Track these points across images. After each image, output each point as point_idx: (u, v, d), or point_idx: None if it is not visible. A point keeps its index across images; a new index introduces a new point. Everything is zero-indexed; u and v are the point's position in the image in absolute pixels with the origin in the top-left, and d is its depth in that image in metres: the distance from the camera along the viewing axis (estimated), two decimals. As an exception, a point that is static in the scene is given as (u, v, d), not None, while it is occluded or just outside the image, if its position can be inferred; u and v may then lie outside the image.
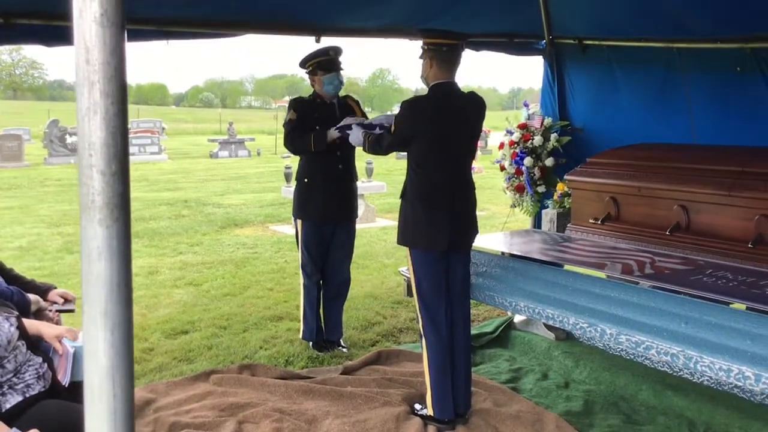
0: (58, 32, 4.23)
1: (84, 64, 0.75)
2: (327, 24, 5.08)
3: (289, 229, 9.56)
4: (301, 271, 4.89)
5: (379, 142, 3.87)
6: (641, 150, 4.62)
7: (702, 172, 4.09)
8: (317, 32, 5.03)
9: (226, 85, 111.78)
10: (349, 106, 4.86)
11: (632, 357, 4.46)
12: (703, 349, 2.99)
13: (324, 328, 4.95)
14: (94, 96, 0.76)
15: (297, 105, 4.76)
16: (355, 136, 4.12)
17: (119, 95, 0.76)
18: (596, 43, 5.44)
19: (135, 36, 4.46)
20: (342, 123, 4.35)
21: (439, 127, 3.56)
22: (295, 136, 4.68)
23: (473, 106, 3.71)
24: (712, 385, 4.03)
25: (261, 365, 4.47)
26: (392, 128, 3.71)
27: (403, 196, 3.72)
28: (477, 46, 5.73)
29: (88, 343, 0.80)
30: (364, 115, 4.87)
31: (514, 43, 5.83)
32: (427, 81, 3.65)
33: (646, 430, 3.71)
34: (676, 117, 4.89)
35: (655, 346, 3.14)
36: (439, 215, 3.59)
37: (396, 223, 3.87)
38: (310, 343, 4.89)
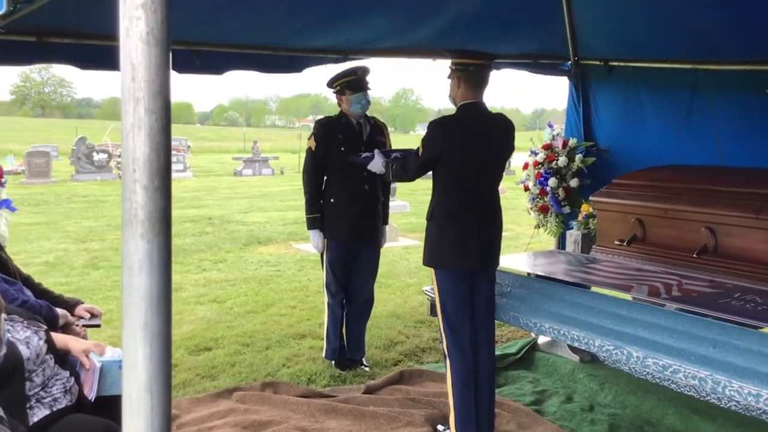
0: (91, 54, 4.31)
1: (130, 81, 0.77)
2: (354, 46, 5.13)
3: (312, 248, 9.59)
4: (324, 290, 4.90)
5: (405, 168, 3.81)
6: (668, 171, 4.59)
7: (729, 194, 4.05)
8: (344, 53, 5.09)
9: (251, 104, 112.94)
10: (379, 126, 4.90)
11: (659, 381, 4.40)
12: (731, 374, 2.94)
13: (347, 347, 4.94)
14: (138, 113, 0.77)
15: (318, 131, 4.79)
16: (376, 163, 4.08)
17: (163, 112, 0.78)
18: (622, 64, 5.43)
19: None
20: (363, 153, 4.35)
21: (467, 147, 3.55)
22: (309, 178, 4.81)
23: (502, 127, 3.70)
24: (740, 410, 3.96)
25: (284, 383, 4.47)
26: (419, 150, 3.67)
27: (430, 217, 3.72)
28: (499, 66, 5.75)
29: (127, 356, 0.81)
30: (389, 137, 4.93)
31: (540, 65, 5.84)
32: (455, 101, 3.66)
33: (673, 456, 3.65)
34: (703, 138, 4.86)
35: (682, 370, 3.10)
36: (466, 237, 3.57)
37: (418, 242, 3.87)
38: (333, 361, 4.89)
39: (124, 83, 0.78)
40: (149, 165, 0.78)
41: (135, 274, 0.79)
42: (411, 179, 3.89)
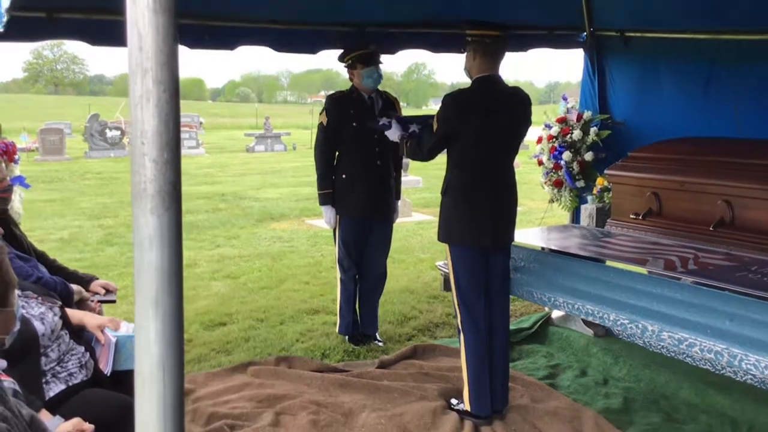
0: (102, 29, 4.27)
1: (137, 51, 0.75)
2: (367, 18, 5.08)
3: (325, 224, 9.60)
4: (337, 266, 4.90)
5: (420, 145, 3.71)
6: (684, 144, 4.53)
7: (747, 166, 4.00)
8: (358, 25, 5.03)
9: (263, 79, 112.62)
10: (390, 101, 4.85)
11: (673, 354, 4.39)
12: (748, 347, 2.92)
13: (360, 322, 4.95)
14: (147, 83, 0.75)
15: (330, 106, 4.75)
16: (394, 132, 3.98)
17: (172, 83, 0.76)
18: (639, 35, 5.34)
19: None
20: (380, 119, 4.20)
21: (483, 121, 3.49)
22: (321, 153, 4.77)
23: (518, 102, 3.64)
24: (756, 384, 3.94)
25: (298, 358, 4.49)
26: (434, 125, 3.59)
27: (444, 192, 3.68)
28: (524, 45, 5.68)
29: (139, 332, 0.80)
30: (400, 112, 4.88)
31: (555, 36, 5.76)
32: (470, 74, 3.60)
33: (688, 429, 3.64)
34: (721, 110, 4.78)
35: (698, 344, 3.08)
36: (481, 213, 3.54)
37: (432, 217, 3.84)
38: (346, 337, 4.90)
39: (132, 53, 0.76)
40: (158, 137, 0.76)
41: (146, 250, 0.78)
42: (426, 158, 3.77)
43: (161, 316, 0.78)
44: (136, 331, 0.80)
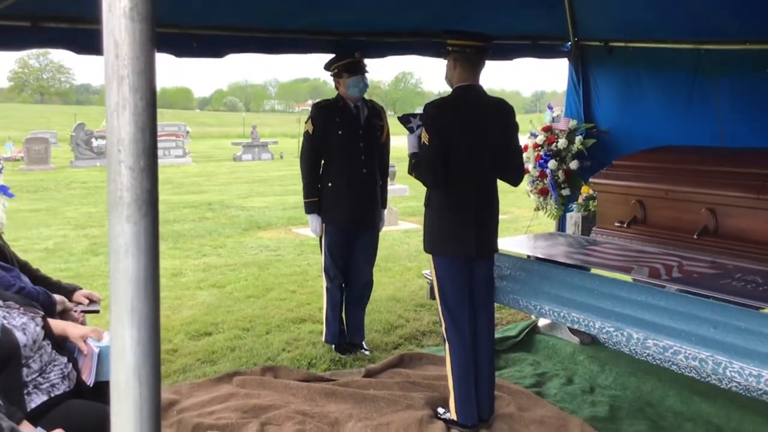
0: (86, 37, 4.25)
1: (113, 59, 0.75)
2: (352, 29, 5.09)
3: (311, 232, 9.60)
4: (323, 275, 4.89)
5: (420, 168, 3.55)
6: (668, 152, 4.56)
7: (730, 174, 4.03)
8: (342, 36, 5.04)
9: (250, 89, 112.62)
10: (377, 109, 4.85)
11: (659, 362, 4.40)
12: (732, 354, 2.93)
13: (346, 331, 4.94)
14: (123, 91, 0.75)
15: (316, 114, 4.74)
16: (410, 143, 3.75)
17: (148, 90, 0.76)
18: (622, 44, 5.38)
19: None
20: (415, 122, 3.79)
21: (462, 131, 3.50)
22: (306, 162, 4.76)
23: (499, 113, 3.63)
24: (741, 391, 3.97)
25: (284, 367, 4.47)
26: (426, 139, 3.50)
27: (427, 204, 3.68)
28: (509, 54, 5.70)
29: (115, 340, 0.79)
30: (387, 121, 4.88)
31: (539, 46, 5.79)
32: (451, 83, 3.62)
33: (673, 437, 3.65)
34: (704, 119, 4.82)
35: (683, 351, 3.09)
36: (461, 225, 3.54)
37: (418, 226, 3.85)
38: (333, 345, 4.89)
39: (108, 61, 0.75)
40: (135, 145, 0.76)
41: (121, 258, 0.77)
42: (431, 184, 3.57)
43: (137, 324, 0.77)
44: (111, 339, 0.79)
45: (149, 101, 0.76)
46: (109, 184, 0.77)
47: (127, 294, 0.77)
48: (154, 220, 0.78)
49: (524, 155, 5.64)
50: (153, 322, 0.78)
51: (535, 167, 5.53)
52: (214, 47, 4.83)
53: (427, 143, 3.51)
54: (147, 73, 0.76)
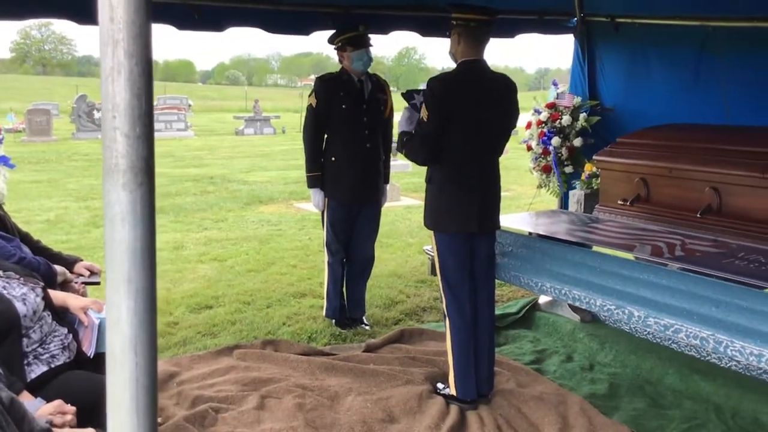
0: (88, 7, 4.19)
1: (108, 22, 0.73)
2: (353, 1, 5.03)
3: (313, 207, 9.61)
4: (325, 249, 4.88)
5: (413, 146, 3.54)
6: (673, 130, 4.52)
7: (735, 153, 3.99)
8: (346, 8, 4.98)
9: (253, 62, 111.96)
10: (381, 83, 4.81)
11: (660, 340, 4.41)
12: (734, 333, 2.93)
13: (347, 306, 4.94)
14: (118, 56, 0.73)
15: (319, 87, 4.69)
16: (405, 120, 3.72)
17: (144, 55, 0.73)
18: (629, 20, 5.32)
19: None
20: (417, 97, 3.77)
21: (467, 105, 3.46)
22: (310, 136, 4.72)
23: (503, 89, 3.59)
24: (741, 370, 3.97)
25: (284, 341, 4.48)
26: (425, 115, 3.45)
27: (429, 180, 3.66)
28: (512, 31, 5.63)
29: (111, 311, 0.78)
30: (390, 96, 4.84)
31: (545, 21, 5.73)
32: (455, 57, 3.57)
33: (672, 415, 3.66)
34: (710, 97, 4.78)
35: (684, 330, 3.08)
36: (463, 202, 3.52)
37: (420, 202, 3.82)
38: (333, 320, 4.89)
39: (102, 24, 0.73)
40: (130, 111, 0.74)
41: (117, 227, 0.75)
42: (422, 161, 3.58)
43: (133, 295, 0.76)
44: (107, 310, 0.77)
45: (145, 67, 0.74)
46: (105, 152, 0.75)
47: (123, 264, 0.76)
48: (150, 189, 0.76)
49: (527, 132, 5.65)
50: (149, 292, 0.77)
51: (538, 144, 5.49)
52: (215, 20, 4.78)
53: (425, 119, 3.46)
54: (143, 37, 0.74)
